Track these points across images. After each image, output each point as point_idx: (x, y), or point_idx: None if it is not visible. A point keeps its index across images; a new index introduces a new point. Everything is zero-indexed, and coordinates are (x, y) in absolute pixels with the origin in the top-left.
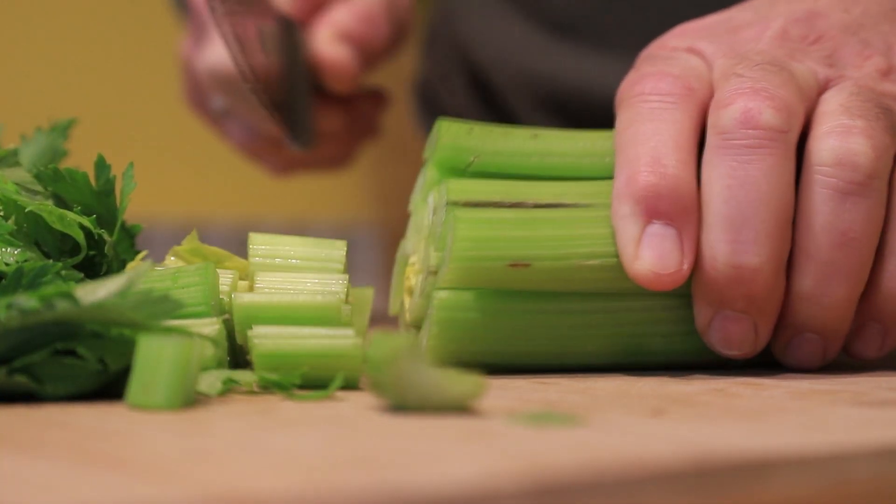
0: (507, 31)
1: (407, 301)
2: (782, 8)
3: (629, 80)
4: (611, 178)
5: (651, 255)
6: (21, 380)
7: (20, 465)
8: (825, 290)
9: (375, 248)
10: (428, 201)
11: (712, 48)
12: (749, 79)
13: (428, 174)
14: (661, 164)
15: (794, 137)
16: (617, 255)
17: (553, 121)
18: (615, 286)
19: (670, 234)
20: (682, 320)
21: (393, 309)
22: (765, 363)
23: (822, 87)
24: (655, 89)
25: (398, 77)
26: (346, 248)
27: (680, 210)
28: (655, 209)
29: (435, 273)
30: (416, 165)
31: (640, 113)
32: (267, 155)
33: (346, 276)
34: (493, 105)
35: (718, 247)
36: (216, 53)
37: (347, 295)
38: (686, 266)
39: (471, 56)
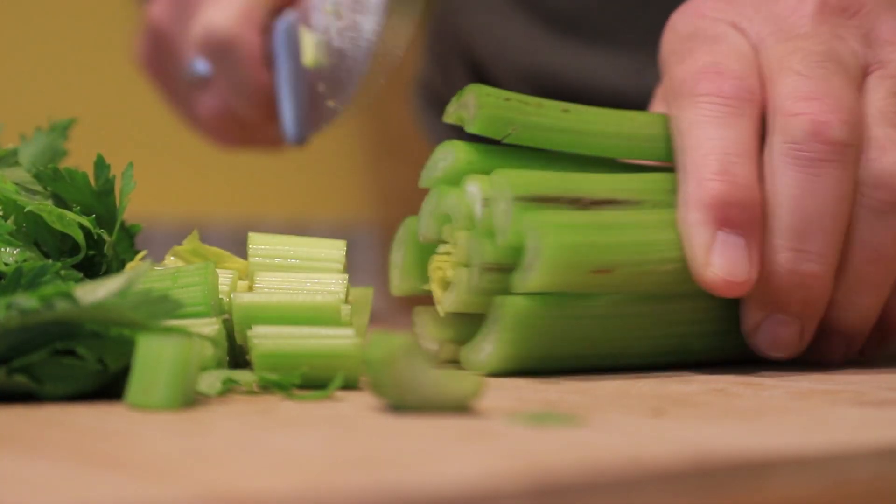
0: (509, 26)
1: (438, 292)
2: None
3: (685, 69)
4: (644, 163)
5: (722, 262)
6: (21, 380)
7: (20, 465)
8: (855, 298)
9: (375, 248)
10: (469, 189)
11: (756, 26)
12: (810, 79)
13: (459, 153)
14: (731, 172)
15: (858, 151)
16: (669, 261)
17: None
18: (677, 289)
19: (740, 243)
20: (721, 319)
21: (397, 289)
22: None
23: (864, 72)
24: (720, 91)
25: (398, 76)
26: (346, 248)
27: (749, 219)
28: (726, 218)
29: (494, 270)
30: (417, 165)
31: (705, 116)
32: (227, 129)
33: (346, 276)
34: None
35: (782, 254)
36: (219, 15)
37: (347, 295)
38: (754, 273)
39: (472, 52)
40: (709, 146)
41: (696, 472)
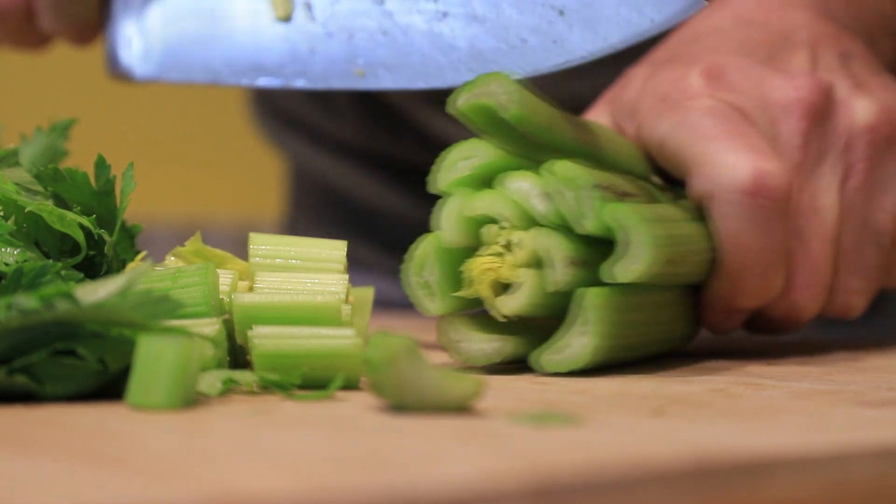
0: None
1: (492, 296)
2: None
3: (733, 166)
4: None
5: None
6: (21, 380)
7: (20, 465)
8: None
9: None
10: (515, 186)
11: (758, 121)
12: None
13: (490, 150)
14: (766, 286)
15: None
16: (704, 251)
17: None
18: (695, 278)
19: None
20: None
21: (435, 310)
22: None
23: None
24: (771, 194)
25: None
26: (346, 249)
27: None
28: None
29: (576, 264)
30: None
31: (749, 221)
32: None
33: (346, 276)
34: (372, 99)
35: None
36: None
37: (348, 295)
38: None
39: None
40: (750, 255)
41: (696, 472)
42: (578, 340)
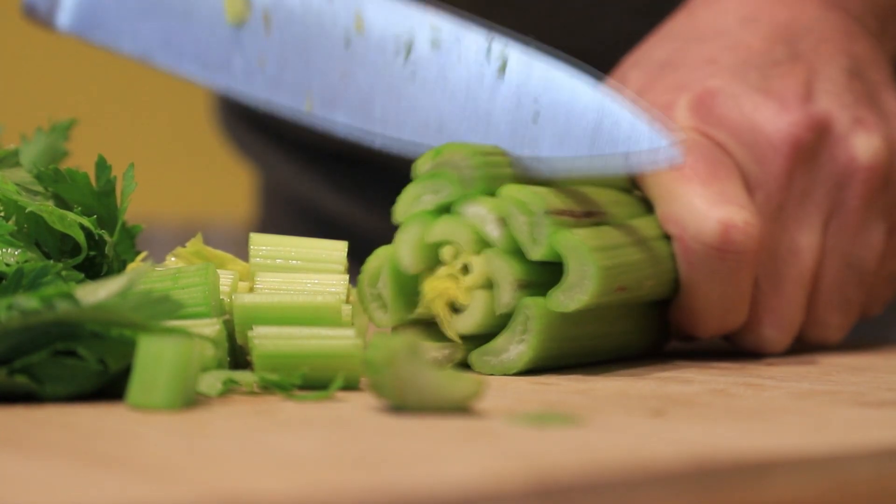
0: None
1: (447, 315)
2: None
3: (702, 215)
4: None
5: None
6: (21, 380)
7: (20, 465)
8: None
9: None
10: (471, 211)
11: (738, 156)
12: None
13: (456, 187)
14: (725, 326)
15: None
16: (666, 272)
17: None
18: (657, 296)
19: None
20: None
21: (387, 322)
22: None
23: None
24: (735, 248)
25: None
26: (346, 249)
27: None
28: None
29: (525, 286)
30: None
31: (711, 274)
32: None
33: (346, 277)
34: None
35: None
36: None
37: (348, 295)
38: None
39: None
40: (709, 300)
41: (697, 472)
42: (516, 348)
